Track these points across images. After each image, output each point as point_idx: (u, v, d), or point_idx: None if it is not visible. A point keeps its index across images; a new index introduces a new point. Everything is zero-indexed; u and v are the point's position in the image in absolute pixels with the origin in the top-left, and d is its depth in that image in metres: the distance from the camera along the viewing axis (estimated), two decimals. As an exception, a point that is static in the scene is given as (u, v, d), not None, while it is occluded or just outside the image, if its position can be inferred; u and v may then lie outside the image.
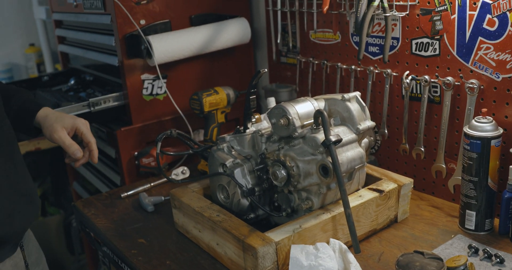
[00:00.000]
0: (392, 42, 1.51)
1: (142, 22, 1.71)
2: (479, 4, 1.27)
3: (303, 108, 1.27)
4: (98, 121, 1.85)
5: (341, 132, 1.26)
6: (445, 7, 1.35)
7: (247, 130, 1.38)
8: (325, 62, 1.72)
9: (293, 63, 1.87)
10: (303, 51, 1.82)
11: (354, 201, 1.32)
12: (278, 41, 1.85)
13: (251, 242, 1.17)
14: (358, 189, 1.38)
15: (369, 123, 1.29)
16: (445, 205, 1.49)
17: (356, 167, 1.26)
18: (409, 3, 1.42)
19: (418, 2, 1.41)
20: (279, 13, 1.79)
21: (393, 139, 1.61)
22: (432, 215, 1.45)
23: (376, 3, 1.41)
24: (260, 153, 1.33)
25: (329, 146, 1.18)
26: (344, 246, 1.24)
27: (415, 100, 1.49)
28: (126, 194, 1.69)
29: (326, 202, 1.30)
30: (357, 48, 1.62)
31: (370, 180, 1.44)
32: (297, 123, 1.25)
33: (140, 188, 1.71)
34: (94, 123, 1.90)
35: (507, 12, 1.23)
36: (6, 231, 1.18)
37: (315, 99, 1.33)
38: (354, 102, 1.29)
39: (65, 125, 1.33)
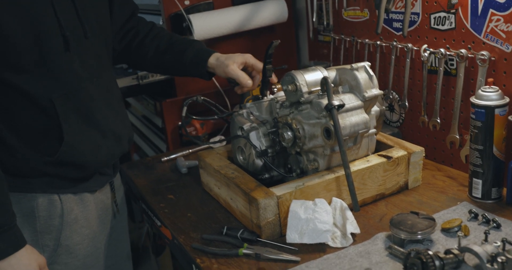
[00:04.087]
0: (413, 17, 1.55)
1: (187, 2, 1.87)
2: (489, -24, 1.30)
3: (312, 76, 1.37)
4: (147, 93, 2.04)
5: (347, 98, 1.34)
6: (459, -20, 1.38)
7: (265, 97, 1.50)
8: (354, 38, 1.79)
9: (328, 41, 1.95)
10: (337, 29, 1.89)
11: (361, 164, 1.40)
12: (314, 19, 1.94)
13: (255, 195, 1.29)
14: (368, 155, 1.45)
15: (375, 91, 1.36)
16: (460, 176, 1.52)
17: (360, 132, 1.33)
18: (427, -23, 1.46)
19: (436, -23, 1.45)
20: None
21: (415, 112, 1.65)
22: (445, 185, 1.49)
23: (394, -21, 1.46)
24: (273, 118, 1.44)
25: (331, 110, 1.26)
26: (345, 204, 1.32)
27: (433, 73, 1.53)
28: (166, 158, 1.86)
29: (332, 164, 1.39)
30: (385, 24, 1.67)
31: (383, 147, 1.50)
32: (304, 89, 1.34)
33: (179, 154, 1.87)
34: (143, 94, 2.09)
35: (514, -17, 1.24)
36: (93, 160, 1.37)
37: (327, 69, 1.42)
38: (362, 71, 1.37)
39: (235, 60, 1.50)
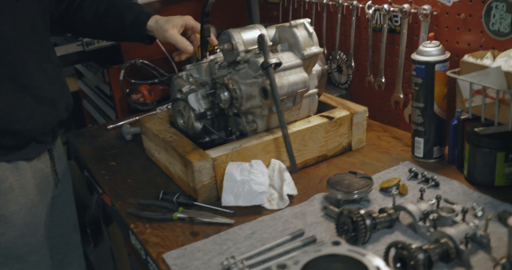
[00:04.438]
0: (357, -28, 1.50)
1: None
2: None
3: (249, 35, 1.31)
4: (94, 60, 1.96)
5: (285, 57, 1.29)
6: None
7: (205, 59, 1.44)
8: (301, -2, 1.73)
9: (277, 2, 1.89)
10: (286, -11, 1.83)
11: (301, 125, 1.36)
12: (262, -21, 1.87)
13: (190, 158, 1.24)
14: (309, 116, 1.41)
15: (315, 49, 1.32)
16: (405, 137, 1.50)
17: (298, 91, 1.29)
18: None
19: None
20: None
21: (363, 72, 1.61)
22: (389, 145, 1.47)
23: None
24: (211, 79, 1.39)
25: (267, 69, 1.22)
26: (283, 166, 1.29)
27: (378, 31, 1.49)
28: (112, 126, 1.80)
29: (271, 125, 1.35)
30: (330, -19, 1.62)
31: (326, 108, 1.47)
32: (241, 47, 1.29)
33: (125, 121, 1.81)
34: (89, 61, 2.02)
35: None
36: (27, 127, 1.31)
37: (267, 27, 1.37)
38: (301, 28, 1.32)
39: (174, 23, 1.43)
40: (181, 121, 1.46)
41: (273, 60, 1.22)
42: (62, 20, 1.54)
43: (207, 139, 1.40)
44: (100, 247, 2.35)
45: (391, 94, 1.51)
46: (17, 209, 1.38)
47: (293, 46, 1.32)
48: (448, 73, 1.16)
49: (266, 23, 1.96)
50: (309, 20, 1.33)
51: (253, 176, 1.23)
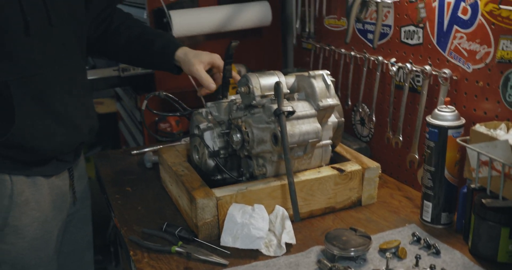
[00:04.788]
0: (385, 30, 1.52)
1: (171, -2, 1.88)
2: (456, -8, 1.26)
3: (267, 80, 1.35)
4: (128, 85, 2.05)
5: (300, 106, 1.32)
6: (429, -5, 1.34)
7: (224, 99, 1.48)
8: (332, 48, 1.76)
9: (310, 48, 1.92)
10: (319, 37, 1.87)
11: (310, 175, 1.37)
12: (297, 26, 1.92)
13: (195, 194, 1.27)
14: (321, 166, 1.42)
15: (331, 101, 1.33)
16: (418, 198, 1.47)
17: (310, 141, 1.31)
18: (400, -10, 1.43)
19: (408, -10, 1.41)
20: (295, -3, 1.86)
21: (384, 127, 1.61)
22: (400, 205, 1.45)
23: (367, -11, 1.44)
24: (228, 119, 1.43)
25: (279, 116, 1.25)
26: (286, 213, 1.30)
27: (401, 89, 1.49)
28: (136, 151, 1.87)
29: (281, 171, 1.37)
30: (360, 35, 1.64)
31: (340, 160, 1.48)
32: (257, 92, 1.33)
33: (149, 149, 1.87)
34: (124, 86, 2.11)
35: (478, 1, 1.20)
36: (45, 146, 1.37)
37: (288, 75, 1.40)
38: (319, 79, 1.34)
39: (202, 60, 1.48)
40: (196, 156, 1.50)
41: (286, 108, 1.25)
42: (98, 44, 1.63)
43: (219, 177, 1.43)
44: (120, 266, 2.39)
45: (408, 152, 1.50)
46: (30, 222, 1.43)
47: (310, 96, 1.34)
48: (458, 140, 1.16)
49: (299, 68, 2.01)
50: (328, 72, 1.35)
51: (254, 221, 1.24)
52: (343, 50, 1.71)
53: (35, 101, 1.33)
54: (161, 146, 1.89)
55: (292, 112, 1.26)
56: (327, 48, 1.80)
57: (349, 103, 1.74)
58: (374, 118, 1.62)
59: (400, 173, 1.58)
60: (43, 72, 1.34)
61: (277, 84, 1.28)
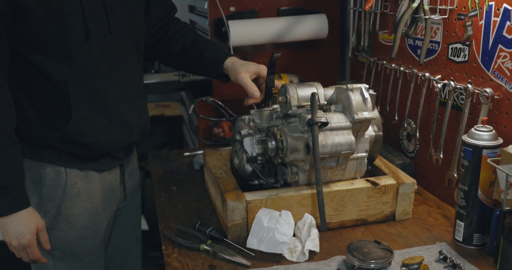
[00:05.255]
0: (434, 46, 1.50)
1: (232, 9, 1.96)
2: (501, 10, 1.23)
3: (305, 91, 1.38)
4: (187, 90, 2.16)
5: (335, 117, 1.34)
6: (476, 12, 1.32)
7: (267, 107, 1.53)
8: (384, 62, 1.76)
9: (364, 62, 1.93)
10: (373, 51, 1.87)
11: (342, 186, 1.39)
12: (352, 39, 1.93)
13: (226, 196, 1.33)
14: (355, 178, 1.43)
15: (367, 115, 1.35)
16: (455, 217, 1.44)
17: (342, 153, 1.33)
18: (449, 7, 1.41)
19: (456, 7, 1.39)
20: (351, 11, 1.87)
21: (428, 144, 1.59)
22: (435, 223, 1.43)
23: (415, 5, 1.43)
24: (267, 127, 1.48)
25: (312, 126, 1.28)
26: (314, 222, 1.32)
27: (445, 106, 1.47)
28: (188, 153, 1.96)
29: (313, 180, 1.39)
30: (410, 51, 1.64)
31: (377, 173, 1.48)
32: (294, 102, 1.37)
33: (199, 152, 1.96)
34: (185, 91, 2.21)
35: (522, 20, 1.18)
36: (97, 142, 1.48)
37: (328, 87, 1.43)
38: (357, 93, 1.36)
39: (248, 69, 1.56)
40: (236, 161, 1.56)
41: (320, 118, 1.28)
42: (154, 49, 1.74)
43: (255, 182, 1.49)
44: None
45: (448, 170, 1.47)
46: (80, 212, 1.56)
47: (346, 108, 1.36)
48: (489, 160, 1.13)
49: (354, 80, 2.02)
50: (367, 86, 1.37)
51: (279, 226, 1.28)
52: (393, 65, 1.70)
53: (90, 101, 1.45)
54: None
55: (326, 123, 1.29)
56: (379, 62, 1.80)
57: (396, 118, 1.73)
58: (418, 134, 1.60)
59: (441, 191, 1.55)
60: (100, 75, 1.45)
61: (312, 95, 1.31)
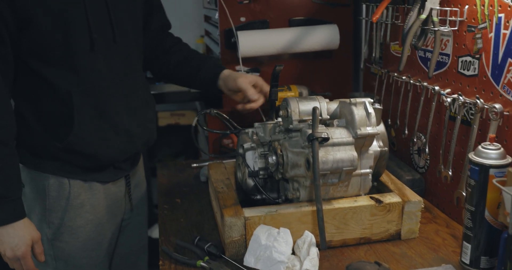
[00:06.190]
0: (444, 59, 1.45)
1: (242, 19, 1.94)
2: (511, 22, 1.18)
3: (307, 105, 1.35)
4: (197, 100, 2.14)
5: (337, 133, 1.30)
6: (485, 24, 1.26)
7: (270, 120, 1.50)
8: (394, 74, 1.71)
9: (376, 73, 1.88)
10: (386, 63, 1.82)
11: (344, 203, 1.34)
12: (364, 50, 1.89)
13: (224, 212, 1.30)
14: (359, 195, 1.38)
15: (370, 130, 1.30)
16: (465, 237, 1.38)
17: (344, 169, 1.28)
18: (458, 18, 1.36)
19: (466, 18, 1.34)
20: (363, 22, 1.83)
21: (438, 160, 1.53)
22: (443, 243, 1.37)
23: (423, 16, 1.38)
24: (269, 141, 1.44)
25: (312, 141, 1.24)
26: (314, 240, 1.28)
27: (454, 120, 1.41)
28: (195, 165, 1.94)
29: (314, 197, 1.35)
30: (421, 63, 1.58)
31: (384, 190, 1.43)
32: (295, 116, 1.33)
33: (207, 163, 1.93)
34: (197, 101, 2.20)
35: (532, 33, 1.12)
36: (101, 153, 1.48)
37: (332, 101, 1.39)
38: (360, 107, 1.32)
39: (246, 76, 1.63)
40: (239, 174, 1.53)
41: (320, 134, 1.24)
42: (149, 63, 1.74)
43: (258, 196, 1.45)
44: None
45: (457, 188, 1.42)
46: (84, 223, 1.55)
47: (349, 123, 1.32)
48: (494, 180, 1.08)
49: (366, 92, 1.98)
50: (371, 100, 1.32)
51: (277, 244, 1.24)
52: (404, 78, 1.65)
53: (94, 111, 1.44)
54: (219, 161, 1.96)
55: (326, 139, 1.25)
56: (390, 74, 1.75)
57: (406, 131, 1.67)
58: (427, 149, 1.55)
59: (451, 209, 1.49)
60: (104, 85, 1.45)
61: (313, 110, 1.27)
